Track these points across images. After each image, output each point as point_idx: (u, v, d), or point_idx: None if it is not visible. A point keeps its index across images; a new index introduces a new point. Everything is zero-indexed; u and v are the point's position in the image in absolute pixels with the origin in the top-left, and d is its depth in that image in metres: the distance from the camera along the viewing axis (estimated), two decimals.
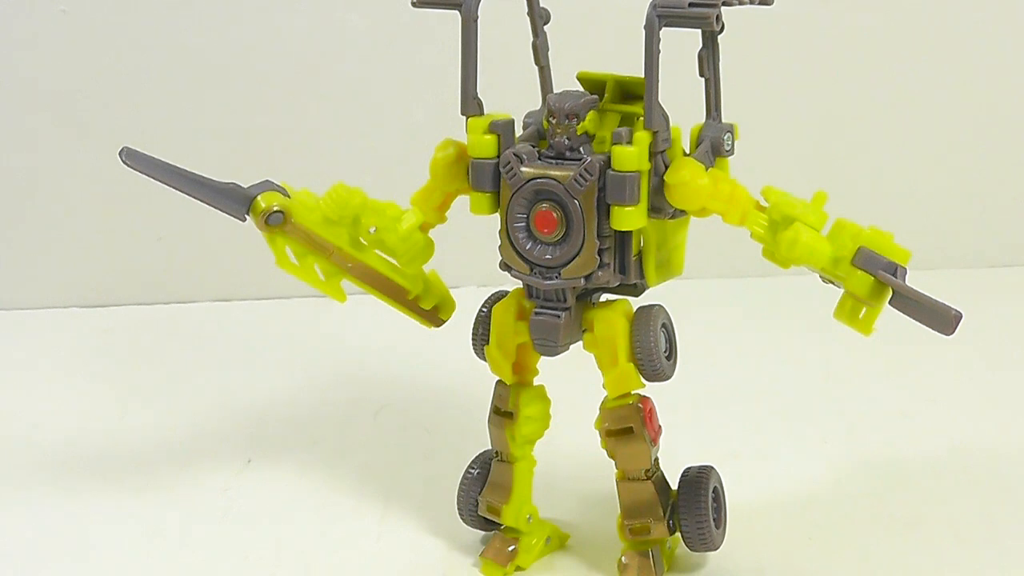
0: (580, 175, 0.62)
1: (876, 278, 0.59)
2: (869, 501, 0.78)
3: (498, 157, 0.64)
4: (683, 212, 0.64)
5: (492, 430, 0.70)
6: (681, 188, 0.62)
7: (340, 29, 1.18)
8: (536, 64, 0.69)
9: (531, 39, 0.69)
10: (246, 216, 0.67)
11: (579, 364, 0.69)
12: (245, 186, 0.67)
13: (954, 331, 0.56)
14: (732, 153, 0.64)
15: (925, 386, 0.96)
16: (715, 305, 1.15)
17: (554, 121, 0.63)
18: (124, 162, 0.65)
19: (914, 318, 0.58)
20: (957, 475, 0.81)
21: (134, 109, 1.18)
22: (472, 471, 0.73)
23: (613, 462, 0.68)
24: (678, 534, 0.69)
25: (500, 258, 0.66)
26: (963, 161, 1.26)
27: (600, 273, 0.63)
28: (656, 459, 0.68)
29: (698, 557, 0.71)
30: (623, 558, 0.69)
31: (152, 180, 0.66)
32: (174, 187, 0.66)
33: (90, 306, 1.20)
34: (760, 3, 0.62)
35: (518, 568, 0.71)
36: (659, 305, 0.67)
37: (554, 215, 0.63)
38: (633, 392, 0.67)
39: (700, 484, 0.68)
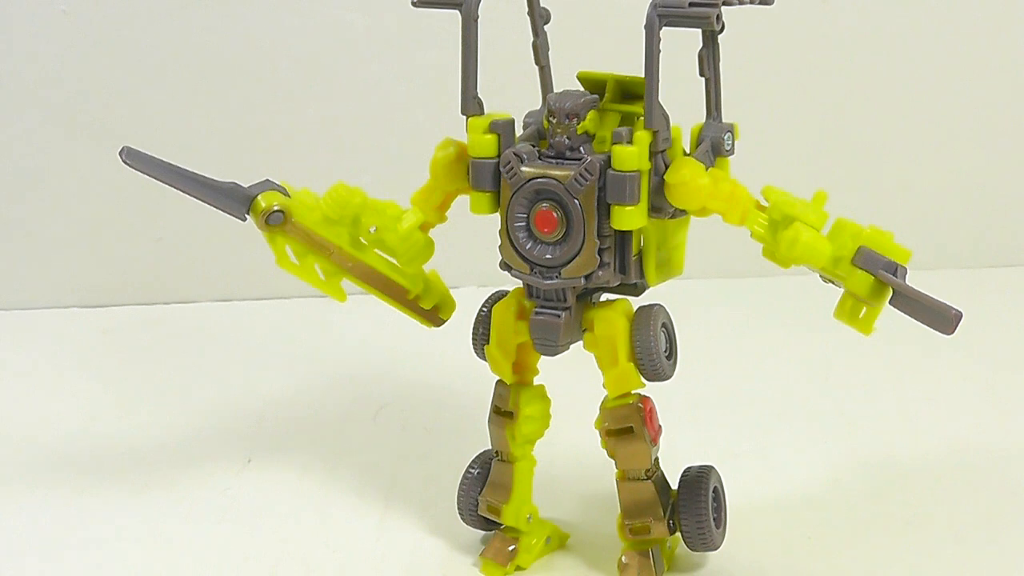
0: (580, 175, 0.62)
1: (876, 277, 0.59)
2: (869, 501, 0.78)
3: (498, 157, 0.64)
4: (683, 212, 0.64)
5: (492, 430, 0.70)
6: (681, 188, 0.62)
7: (340, 29, 1.18)
8: (536, 64, 0.69)
9: (531, 39, 0.69)
10: (246, 216, 0.67)
11: (579, 364, 0.69)
12: (245, 186, 0.67)
13: (954, 331, 0.56)
14: (732, 153, 0.64)
15: (925, 386, 0.96)
16: (715, 305, 1.15)
17: (554, 121, 0.63)
18: (124, 162, 0.65)
19: (914, 318, 0.58)
20: (957, 475, 0.81)
21: (134, 109, 1.18)
22: (472, 471, 0.73)
23: (613, 462, 0.68)
24: (678, 534, 0.69)
25: (500, 258, 0.66)
26: (963, 161, 1.26)
27: (600, 273, 0.63)
28: (656, 459, 0.68)
29: (698, 557, 0.71)
30: (623, 558, 0.69)
31: (152, 180, 0.66)
32: (174, 187, 0.66)
33: (90, 306, 1.20)
34: (760, 3, 0.62)
35: (518, 568, 0.71)
36: (659, 305, 0.67)
37: (554, 215, 0.63)
38: (633, 392, 0.67)
39: (700, 484, 0.68)
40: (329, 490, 0.81)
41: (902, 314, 0.59)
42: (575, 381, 0.70)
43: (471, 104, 0.64)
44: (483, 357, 0.70)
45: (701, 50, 0.63)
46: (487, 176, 0.65)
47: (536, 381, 0.70)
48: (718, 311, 1.14)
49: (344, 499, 0.80)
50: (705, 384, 0.95)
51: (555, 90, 0.66)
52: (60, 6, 1.15)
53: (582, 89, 0.65)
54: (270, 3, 1.17)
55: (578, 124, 0.63)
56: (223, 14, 1.17)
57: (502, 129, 0.65)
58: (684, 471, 0.69)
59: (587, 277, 0.64)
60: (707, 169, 0.63)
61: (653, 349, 0.65)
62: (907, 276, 0.60)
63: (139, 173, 0.66)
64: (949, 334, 0.57)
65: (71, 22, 1.16)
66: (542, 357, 0.69)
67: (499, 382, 0.70)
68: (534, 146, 0.64)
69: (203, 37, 1.17)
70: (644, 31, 0.60)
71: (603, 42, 0.96)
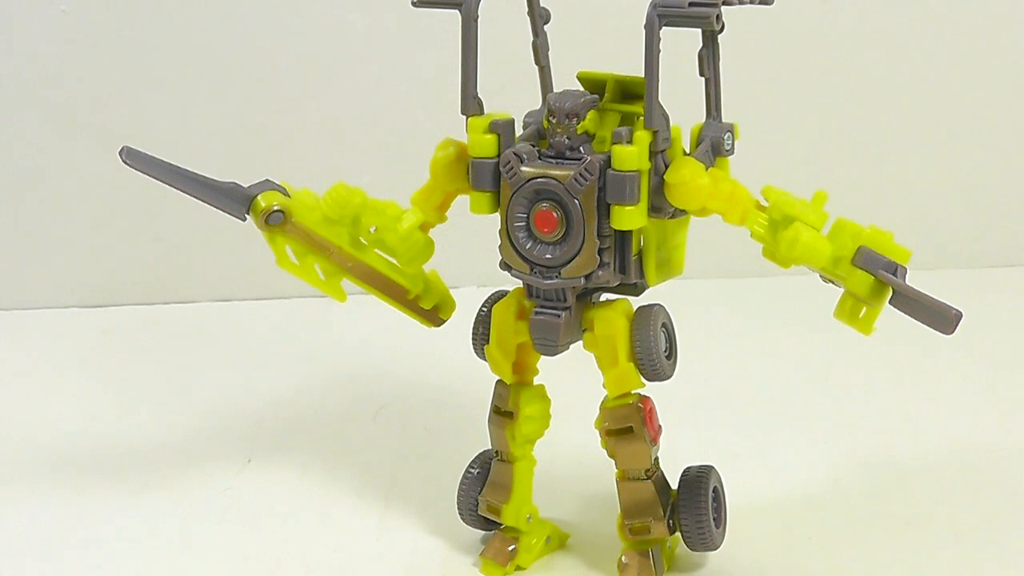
0: (580, 174, 0.62)
1: (876, 277, 0.59)
2: (869, 501, 0.78)
3: (498, 156, 0.64)
4: (683, 212, 0.64)
5: (492, 430, 0.70)
6: (681, 188, 0.62)
7: (340, 29, 1.18)
8: (536, 64, 0.69)
9: (531, 39, 0.69)
10: (246, 216, 0.67)
11: (579, 364, 0.69)
12: (245, 186, 0.67)
13: (954, 330, 0.56)
14: (732, 153, 0.64)
15: (925, 386, 0.96)
16: (715, 305, 1.15)
17: (554, 120, 0.63)
18: (124, 162, 0.65)
19: (914, 317, 0.58)
20: (957, 475, 0.81)
21: (134, 109, 1.18)
22: (472, 471, 0.73)
23: (613, 462, 0.68)
24: (678, 534, 0.69)
25: (500, 258, 0.66)
26: (963, 161, 1.26)
27: (600, 273, 0.63)
28: (656, 459, 0.68)
29: (698, 557, 0.71)
30: (623, 558, 0.69)
31: (152, 180, 0.66)
32: (174, 187, 0.66)
33: (90, 306, 1.20)
34: (760, 3, 0.62)
35: (518, 568, 0.71)
36: (659, 305, 0.67)
37: (554, 215, 0.63)
38: (633, 392, 0.67)
39: (700, 484, 0.68)
40: (329, 490, 0.81)
41: (902, 314, 0.59)
42: (575, 381, 0.70)
43: (471, 104, 0.64)
44: (483, 357, 0.70)
45: (701, 50, 0.63)
46: (487, 176, 0.65)
47: (536, 381, 0.70)
48: (718, 311, 1.14)
49: (344, 499, 0.80)
50: (705, 384, 0.95)
51: (555, 90, 0.66)
52: (60, 6, 1.15)
53: (582, 89, 0.65)
54: (270, 3, 1.17)
55: (578, 124, 0.63)
56: (223, 14, 1.17)
57: (502, 129, 0.65)
58: (684, 471, 0.69)
59: (587, 277, 0.64)
60: (707, 169, 0.63)
61: (653, 349, 0.65)
62: (907, 276, 0.60)
63: (139, 173, 0.66)
64: (949, 334, 0.57)
65: (71, 22, 1.16)
66: (542, 357, 0.69)
67: (499, 382, 0.70)
68: (534, 146, 0.64)
69: (203, 37, 1.17)
70: (644, 31, 0.60)
71: (603, 42, 0.96)
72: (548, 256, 0.64)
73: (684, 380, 0.71)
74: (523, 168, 0.63)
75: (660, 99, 0.61)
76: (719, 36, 0.62)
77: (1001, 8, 1.23)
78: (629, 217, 0.62)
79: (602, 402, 0.68)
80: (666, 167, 0.63)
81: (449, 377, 0.97)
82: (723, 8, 0.60)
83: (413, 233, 0.68)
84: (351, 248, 0.68)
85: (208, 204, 0.67)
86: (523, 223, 0.64)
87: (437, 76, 1.17)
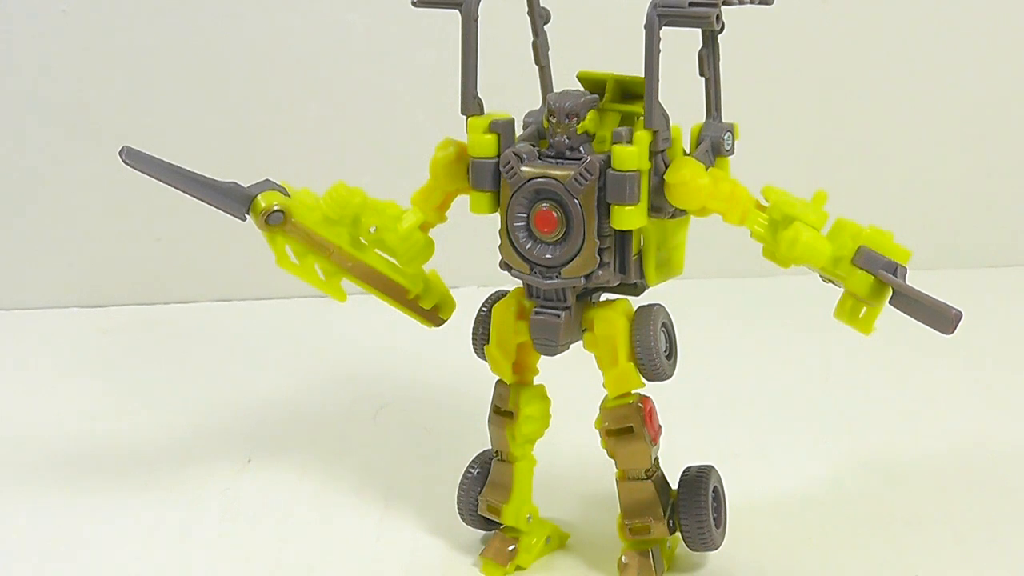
0: (580, 174, 0.62)
1: (876, 277, 0.59)
2: (869, 501, 0.78)
3: (498, 156, 0.64)
4: (683, 211, 0.64)
5: (492, 430, 0.70)
6: (681, 187, 0.62)
7: (340, 29, 1.18)
8: (536, 64, 0.69)
9: (531, 39, 0.69)
10: (246, 215, 0.67)
11: (579, 364, 0.69)
12: (245, 185, 0.67)
13: (954, 330, 0.56)
14: (732, 153, 0.64)
15: (925, 386, 0.96)
16: (715, 305, 1.15)
17: (554, 120, 0.63)
18: (124, 162, 0.65)
19: (914, 317, 0.58)
20: (957, 475, 0.81)
21: (134, 109, 1.18)
22: (472, 471, 0.73)
23: (613, 462, 0.68)
24: (678, 534, 0.69)
25: (500, 258, 0.66)
26: (963, 161, 1.26)
27: (600, 272, 0.63)
28: (656, 459, 0.68)
29: (698, 557, 0.71)
30: (623, 558, 0.69)
31: (152, 180, 0.66)
32: (174, 187, 0.66)
33: (90, 306, 1.20)
34: (760, 3, 0.62)
35: (518, 568, 0.71)
36: (659, 305, 0.67)
37: (554, 214, 0.63)
38: (633, 391, 0.67)
39: (700, 484, 0.68)
40: (329, 490, 0.81)
41: (902, 314, 0.59)
42: (575, 381, 0.70)
43: (471, 104, 0.64)
44: (483, 357, 0.70)
45: (701, 50, 0.63)
46: (487, 176, 0.65)
47: (536, 381, 0.70)
48: (718, 311, 1.14)
49: (344, 499, 0.80)
50: (705, 384, 0.95)
51: (555, 90, 0.66)
52: (60, 6, 1.15)
53: (582, 89, 0.65)
54: (270, 3, 1.17)
55: (578, 124, 0.63)
56: (223, 14, 1.17)
57: (502, 129, 0.65)
58: (684, 471, 0.69)
59: (587, 277, 0.64)
60: (707, 169, 0.63)
61: (653, 349, 0.65)
62: (907, 276, 0.60)
63: (139, 173, 0.66)
64: (949, 334, 0.57)
65: (71, 22, 1.16)
66: (542, 357, 0.69)
67: (499, 382, 0.70)
68: (534, 146, 0.64)
69: (203, 37, 1.17)
70: (644, 31, 0.60)
71: (603, 42, 0.96)
72: (548, 256, 0.64)
73: (684, 380, 0.71)
74: (523, 168, 0.63)
75: (660, 99, 0.61)
76: (719, 36, 0.62)
77: (1001, 8, 1.23)
78: (629, 217, 0.62)
79: (602, 402, 0.68)
80: (666, 167, 0.63)
81: (449, 377, 0.97)
82: (723, 8, 0.60)
83: (413, 233, 0.68)
84: (351, 248, 0.68)
85: (208, 204, 0.67)
86: (523, 223, 0.64)
87: (437, 76, 1.17)
